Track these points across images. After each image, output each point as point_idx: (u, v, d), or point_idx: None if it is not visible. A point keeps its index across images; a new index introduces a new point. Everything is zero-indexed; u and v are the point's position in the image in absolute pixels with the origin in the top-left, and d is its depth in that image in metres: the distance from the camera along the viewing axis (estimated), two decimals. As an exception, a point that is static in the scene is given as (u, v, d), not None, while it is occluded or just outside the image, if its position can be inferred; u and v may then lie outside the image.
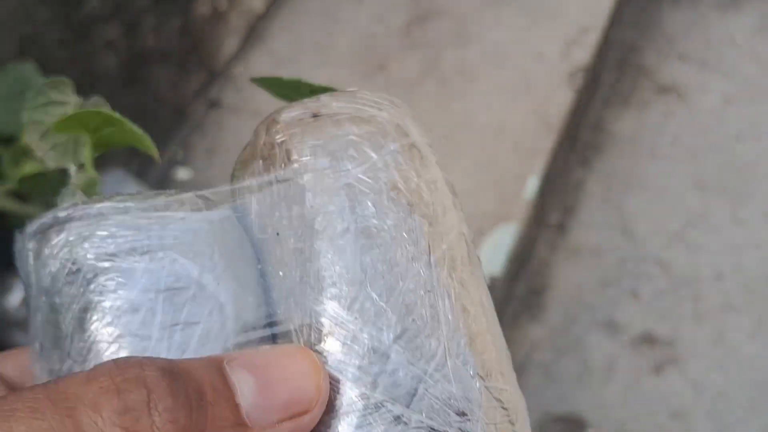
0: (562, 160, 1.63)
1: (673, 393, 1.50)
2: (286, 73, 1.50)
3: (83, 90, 1.16)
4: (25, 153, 0.95)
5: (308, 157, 0.32)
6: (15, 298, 1.03)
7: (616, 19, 1.77)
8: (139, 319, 0.30)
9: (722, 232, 1.67)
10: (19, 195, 0.99)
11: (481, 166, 1.40)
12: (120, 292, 0.31)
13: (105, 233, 0.32)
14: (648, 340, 1.55)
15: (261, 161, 0.34)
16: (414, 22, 1.62)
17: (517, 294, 1.59)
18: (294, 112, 0.35)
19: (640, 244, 1.66)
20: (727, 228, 1.68)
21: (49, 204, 1.01)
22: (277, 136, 0.34)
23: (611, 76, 1.92)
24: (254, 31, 1.59)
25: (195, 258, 0.31)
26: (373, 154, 0.32)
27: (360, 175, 0.31)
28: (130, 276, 0.31)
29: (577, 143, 1.79)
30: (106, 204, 0.34)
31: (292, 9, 1.64)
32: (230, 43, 1.52)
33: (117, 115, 0.40)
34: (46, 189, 0.98)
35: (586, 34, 1.58)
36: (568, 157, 1.72)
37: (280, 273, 0.32)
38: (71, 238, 0.33)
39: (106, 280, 0.31)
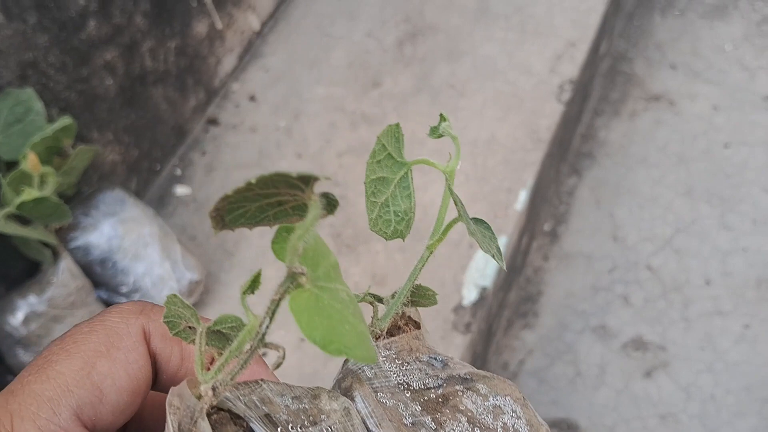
0: (553, 170, 1.65)
1: (662, 397, 1.52)
2: (283, 87, 1.54)
3: (83, 111, 1.19)
4: (25, 178, 0.98)
5: None
6: (18, 317, 1.05)
7: (605, 31, 1.80)
8: None
9: (711, 237, 1.70)
10: (19, 218, 1.02)
11: (473, 179, 1.42)
12: None
13: None
14: (639, 345, 1.58)
15: None
16: (406, 38, 1.65)
17: (511, 302, 1.62)
18: None
19: (630, 250, 1.69)
20: (715, 234, 1.70)
21: (48, 228, 1.05)
22: None
23: (601, 86, 1.94)
24: (250, 49, 1.62)
25: None
26: None
27: None
28: None
29: (568, 153, 1.81)
30: None
31: (287, 27, 1.67)
32: (227, 62, 1.55)
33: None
34: (45, 213, 1.01)
35: (574, 47, 1.61)
36: (559, 167, 1.74)
37: None
38: None
39: None
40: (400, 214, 0.36)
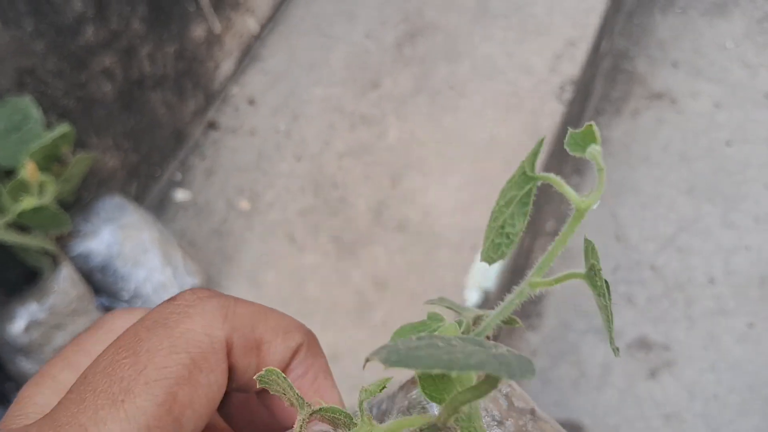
0: (555, 169, 1.65)
1: (666, 396, 1.52)
2: (282, 90, 1.53)
3: (82, 117, 1.19)
4: (24, 187, 0.98)
5: None
6: (18, 325, 1.04)
7: (606, 30, 1.79)
8: None
9: (713, 236, 1.69)
10: (19, 226, 1.02)
11: (474, 181, 1.42)
12: None
13: None
14: (643, 345, 1.57)
15: None
16: (405, 38, 1.64)
17: (513, 302, 1.61)
18: None
19: (633, 249, 1.68)
20: (718, 232, 1.70)
21: (48, 235, 1.04)
22: None
23: (602, 85, 1.94)
24: (249, 52, 1.62)
25: None
26: None
27: None
28: None
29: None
30: None
31: (285, 29, 1.67)
32: (226, 65, 1.55)
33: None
34: (45, 221, 1.00)
35: (574, 46, 1.60)
36: (561, 166, 1.74)
37: None
38: None
39: None
40: (511, 236, 0.32)
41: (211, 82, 1.52)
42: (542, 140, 0.31)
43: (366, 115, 1.52)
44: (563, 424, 1.45)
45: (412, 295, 1.28)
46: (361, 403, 0.28)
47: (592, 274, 0.30)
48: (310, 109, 1.54)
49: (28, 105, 1.06)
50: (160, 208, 1.40)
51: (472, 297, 1.28)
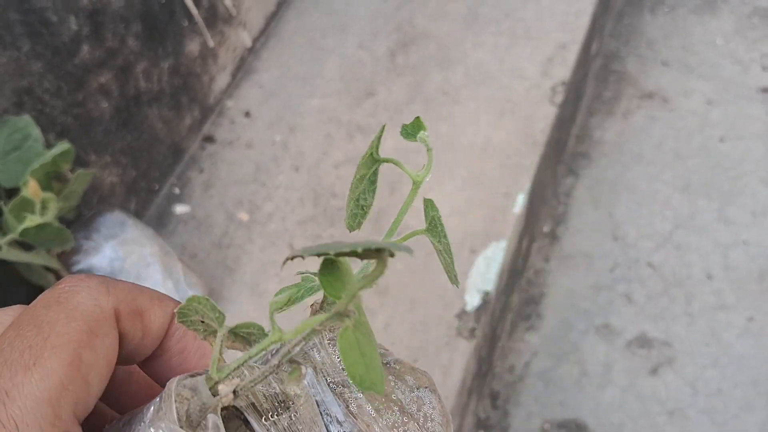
0: (549, 171, 1.66)
1: (669, 393, 1.52)
2: (278, 102, 1.55)
3: (80, 135, 1.20)
4: (27, 205, 0.99)
5: None
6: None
7: (596, 31, 1.80)
8: None
9: (710, 232, 1.70)
10: (21, 244, 1.03)
11: (470, 185, 1.43)
12: None
13: None
14: (643, 342, 1.58)
15: None
16: (398, 48, 1.65)
17: (514, 305, 1.62)
18: None
19: (630, 248, 1.69)
20: (715, 227, 1.71)
21: (51, 252, 1.05)
22: None
23: (594, 86, 1.95)
24: (243, 66, 1.63)
25: None
26: None
27: None
28: None
29: (564, 154, 1.82)
30: None
31: (278, 42, 1.68)
32: (221, 79, 1.56)
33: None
34: (48, 239, 1.01)
35: (565, 49, 1.62)
36: (555, 168, 1.75)
37: None
38: None
39: None
40: (365, 208, 0.38)
41: (207, 96, 1.53)
42: (384, 126, 0.39)
43: (362, 124, 1.53)
44: (567, 424, 1.45)
45: (412, 300, 1.29)
46: (271, 314, 0.32)
47: (433, 226, 0.37)
48: (306, 120, 1.55)
49: (27, 124, 1.07)
50: (159, 222, 1.41)
51: (472, 300, 1.29)
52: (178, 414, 0.30)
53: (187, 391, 0.31)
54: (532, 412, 1.53)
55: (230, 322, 0.35)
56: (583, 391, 1.54)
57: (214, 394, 0.32)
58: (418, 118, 0.38)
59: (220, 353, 0.33)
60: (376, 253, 0.27)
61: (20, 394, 0.28)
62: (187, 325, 0.34)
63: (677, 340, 1.58)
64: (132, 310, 0.33)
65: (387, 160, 0.38)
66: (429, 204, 0.38)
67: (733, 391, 1.52)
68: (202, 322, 0.34)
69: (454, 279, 0.38)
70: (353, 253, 0.27)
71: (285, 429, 0.33)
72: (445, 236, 0.38)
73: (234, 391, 0.32)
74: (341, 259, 0.30)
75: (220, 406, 0.32)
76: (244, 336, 0.35)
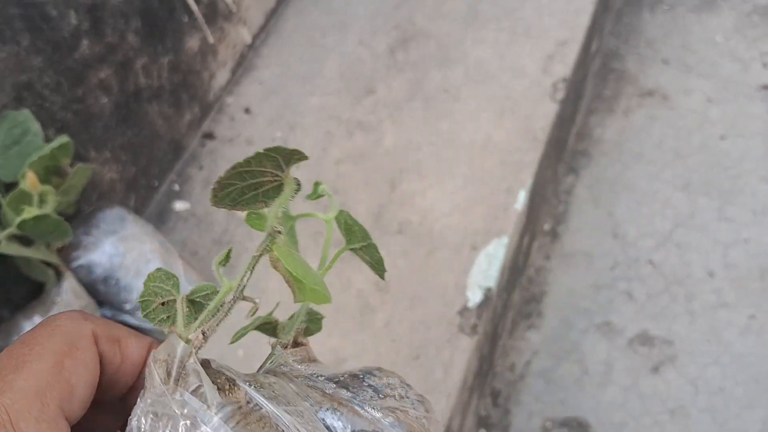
0: (550, 169, 1.65)
1: (671, 391, 1.52)
2: (278, 99, 1.54)
3: (80, 131, 1.20)
4: (25, 198, 0.98)
5: None
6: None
7: (595, 29, 1.80)
8: None
9: (711, 230, 1.70)
10: (20, 239, 1.02)
11: (471, 182, 1.42)
12: None
13: None
14: (644, 340, 1.58)
15: None
16: (398, 45, 1.65)
17: (515, 303, 1.62)
18: None
19: (631, 246, 1.69)
20: (715, 226, 1.70)
21: (50, 247, 1.04)
22: None
23: (594, 85, 1.95)
24: (243, 62, 1.62)
25: None
26: None
27: None
28: None
29: (564, 152, 1.82)
30: None
31: (278, 39, 1.68)
32: (220, 75, 1.56)
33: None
34: (46, 231, 1.00)
35: (565, 47, 1.62)
36: (556, 166, 1.74)
37: None
38: None
39: None
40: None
41: (207, 93, 1.52)
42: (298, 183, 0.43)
43: (362, 121, 1.52)
44: (568, 422, 1.44)
45: (413, 297, 1.29)
46: (217, 268, 0.39)
47: (349, 233, 0.43)
48: (306, 117, 1.54)
49: (27, 118, 1.06)
50: (159, 219, 1.40)
51: (474, 296, 1.29)
52: (159, 377, 0.35)
53: (162, 353, 0.36)
54: (533, 411, 1.52)
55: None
56: (584, 390, 1.54)
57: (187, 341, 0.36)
58: (316, 183, 0.43)
59: (183, 313, 0.38)
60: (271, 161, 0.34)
61: (10, 389, 0.33)
62: (151, 320, 0.39)
63: (678, 338, 1.58)
64: (109, 336, 0.38)
65: (304, 216, 0.44)
66: (341, 214, 0.43)
67: (735, 389, 1.51)
68: (163, 305, 0.39)
69: (381, 274, 0.43)
70: (248, 164, 0.34)
71: (267, 386, 0.37)
72: (363, 237, 0.42)
73: (203, 333, 0.36)
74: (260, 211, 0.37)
75: (195, 351, 0.36)
76: (200, 301, 0.40)
